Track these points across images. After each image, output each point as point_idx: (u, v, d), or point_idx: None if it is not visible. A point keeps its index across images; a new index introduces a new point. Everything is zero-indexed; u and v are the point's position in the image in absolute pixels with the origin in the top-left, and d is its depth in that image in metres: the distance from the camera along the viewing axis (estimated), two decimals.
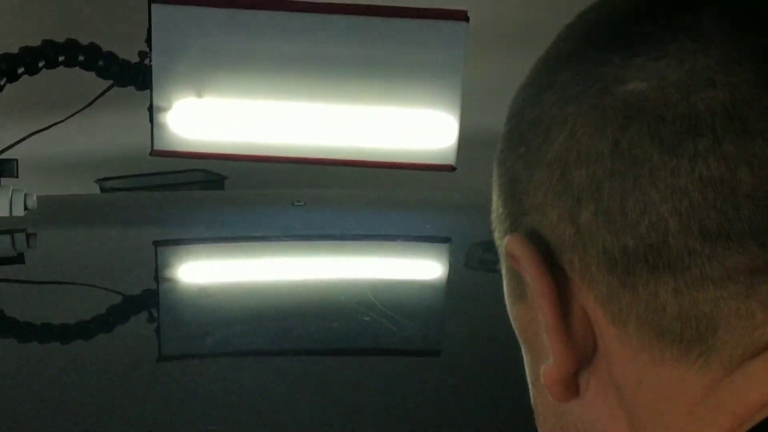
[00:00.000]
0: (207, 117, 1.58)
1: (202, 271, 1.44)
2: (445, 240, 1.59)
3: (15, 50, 1.50)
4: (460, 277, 1.38)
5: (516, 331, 0.47)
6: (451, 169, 1.60)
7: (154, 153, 1.61)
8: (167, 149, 1.60)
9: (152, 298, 1.27)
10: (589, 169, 0.40)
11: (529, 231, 0.43)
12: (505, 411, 0.85)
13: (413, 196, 1.89)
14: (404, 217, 1.64)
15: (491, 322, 1.04)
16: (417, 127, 1.58)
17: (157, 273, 1.39)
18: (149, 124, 1.58)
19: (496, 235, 0.46)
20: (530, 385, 0.48)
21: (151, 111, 1.57)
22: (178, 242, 1.54)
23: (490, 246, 0.47)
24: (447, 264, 1.50)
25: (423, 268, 1.49)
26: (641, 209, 0.39)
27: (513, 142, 0.45)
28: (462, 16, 1.52)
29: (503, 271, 0.47)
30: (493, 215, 0.46)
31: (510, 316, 0.47)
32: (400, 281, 1.36)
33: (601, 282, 0.41)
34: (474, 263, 1.39)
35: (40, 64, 1.50)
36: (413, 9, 1.53)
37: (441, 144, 1.60)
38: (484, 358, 1.01)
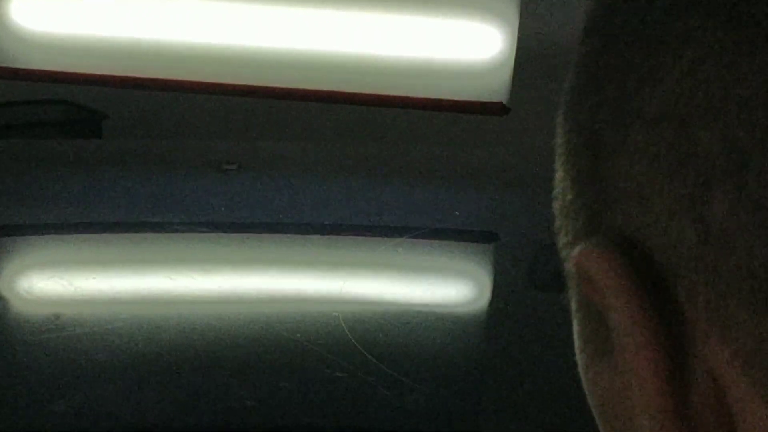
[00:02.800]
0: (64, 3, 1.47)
1: (57, 285, 1.25)
2: (488, 237, 1.44)
3: None
4: (515, 307, 1.22)
5: (593, 409, 0.40)
6: (501, 110, 1.49)
7: None
8: None
9: None
10: (727, 126, 0.33)
11: (618, 235, 0.36)
12: None
13: (423, 157, 1.71)
14: (409, 193, 1.49)
15: (572, 395, 0.90)
16: (451, 44, 1.50)
17: None
18: None
19: (562, 240, 0.40)
20: None
21: None
22: (17, 231, 1.38)
23: None
24: (491, 280, 1.34)
25: (449, 288, 1.32)
26: None
27: (592, 79, 0.38)
28: None
29: (572, 306, 0.40)
30: (557, 205, 0.40)
31: (584, 382, 0.40)
32: (405, 312, 1.19)
33: (744, 327, 0.34)
34: (543, 279, 1.25)
35: None
36: None
37: (487, 73, 1.51)
38: None
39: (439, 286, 1.32)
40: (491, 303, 1.27)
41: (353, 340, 1.06)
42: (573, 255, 0.38)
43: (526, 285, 1.30)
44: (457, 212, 1.44)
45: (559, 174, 0.40)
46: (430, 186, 1.55)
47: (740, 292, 0.34)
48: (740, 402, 0.35)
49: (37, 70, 1.51)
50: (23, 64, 1.49)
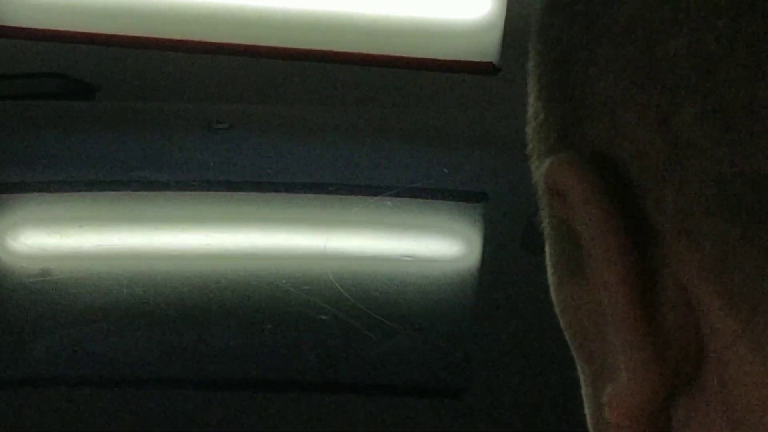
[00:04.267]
0: None
1: (47, 239, 1.31)
2: (478, 197, 1.49)
3: None
4: (503, 264, 1.27)
5: (565, 331, 0.40)
6: (491, 70, 1.51)
7: None
8: None
9: None
10: (695, 32, 0.34)
11: (588, 149, 0.37)
12: None
13: (413, 116, 1.75)
14: (399, 152, 1.51)
15: (553, 350, 0.99)
16: (441, 3, 1.52)
17: None
18: None
19: (534, 163, 0.40)
20: (589, 420, 0.41)
21: None
22: (7, 189, 1.44)
23: None
24: (480, 239, 1.37)
25: (438, 244, 1.36)
26: None
27: None
28: None
29: (545, 229, 0.40)
30: (529, 129, 0.41)
31: (555, 303, 0.40)
32: (393, 263, 1.25)
33: (711, 234, 0.34)
34: (535, 243, 1.24)
35: None
36: None
37: (477, 33, 1.53)
38: (533, 405, 0.98)
39: (428, 243, 1.34)
40: (479, 260, 1.28)
41: (337, 285, 1.09)
42: (543, 169, 0.38)
43: (515, 244, 1.31)
44: (445, 170, 1.46)
45: (531, 97, 0.41)
46: (419, 146, 1.56)
47: (708, 200, 0.34)
48: (707, 311, 0.35)
49: (25, 28, 1.47)
50: (10, 21, 1.46)
